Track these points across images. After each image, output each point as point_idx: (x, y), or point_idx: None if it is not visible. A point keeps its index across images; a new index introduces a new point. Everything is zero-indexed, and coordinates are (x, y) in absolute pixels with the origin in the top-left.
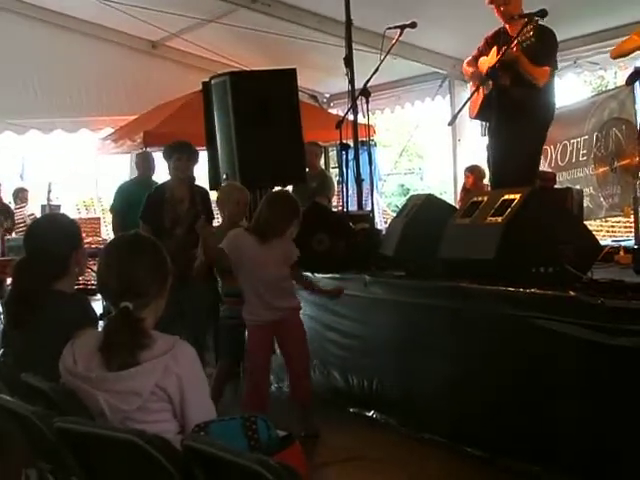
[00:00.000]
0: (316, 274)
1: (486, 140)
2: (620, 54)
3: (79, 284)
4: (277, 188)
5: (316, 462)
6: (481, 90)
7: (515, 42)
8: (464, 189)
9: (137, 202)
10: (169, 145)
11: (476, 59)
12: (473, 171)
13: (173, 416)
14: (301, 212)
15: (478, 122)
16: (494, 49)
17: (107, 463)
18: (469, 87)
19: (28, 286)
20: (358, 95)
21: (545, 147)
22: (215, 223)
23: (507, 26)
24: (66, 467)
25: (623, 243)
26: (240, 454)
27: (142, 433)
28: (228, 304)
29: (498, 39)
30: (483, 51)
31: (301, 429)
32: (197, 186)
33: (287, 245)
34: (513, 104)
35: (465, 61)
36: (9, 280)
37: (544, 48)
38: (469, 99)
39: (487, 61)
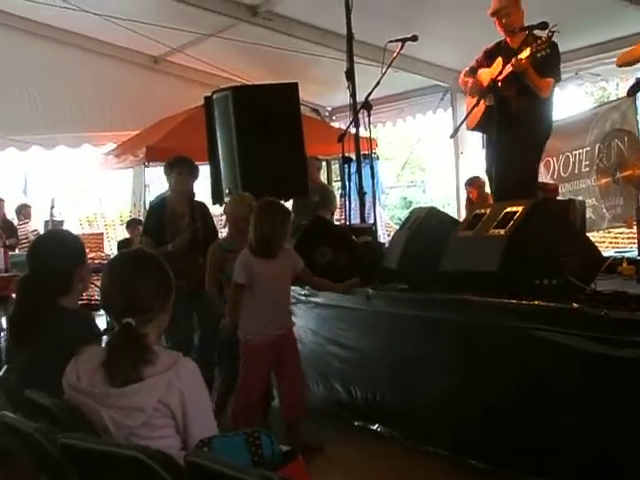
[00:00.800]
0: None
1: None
2: (626, 62)
3: (83, 300)
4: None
5: (318, 475)
6: (481, 102)
7: (528, 52)
8: (469, 202)
9: None
10: (170, 160)
11: (474, 70)
12: (473, 184)
13: (176, 432)
14: (290, 212)
15: (480, 135)
16: (499, 60)
17: (111, 479)
18: (467, 98)
19: (32, 302)
20: (360, 108)
21: (547, 158)
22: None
23: (508, 39)
24: None
25: (626, 254)
26: (244, 470)
27: (145, 449)
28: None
29: (499, 51)
30: (482, 63)
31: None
32: (197, 201)
33: (291, 254)
34: (515, 115)
35: (462, 72)
36: (13, 296)
37: (551, 60)
38: (470, 112)
39: (490, 72)
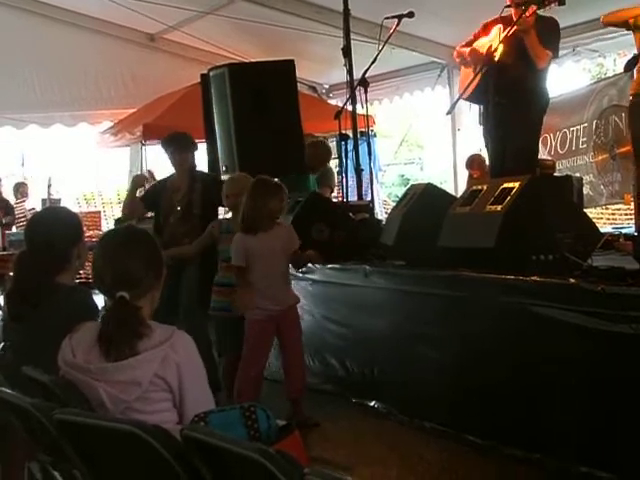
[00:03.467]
0: (316, 264)
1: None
2: (611, 22)
3: (81, 277)
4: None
5: (315, 450)
6: (478, 73)
7: (535, 8)
8: (471, 179)
9: None
10: (164, 138)
11: (470, 44)
12: (473, 164)
13: (173, 406)
14: (283, 187)
15: (477, 111)
16: (498, 27)
17: (107, 454)
18: (462, 69)
19: (29, 279)
20: (356, 85)
21: (545, 135)
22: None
23: (513, 11)
24: (67, 459)
25: (623, 230)
26: (240, 443)
27: (141, 424)
28: (217, 294)
29: (498, 24)
30: (479, 37)
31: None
32: (202, 174)
33: (288, 232)
34: (511, 84)
35: (458, 45)
36: (11, 274)
37: (550, 33)
38: (468, 82)
39: (488, 41)
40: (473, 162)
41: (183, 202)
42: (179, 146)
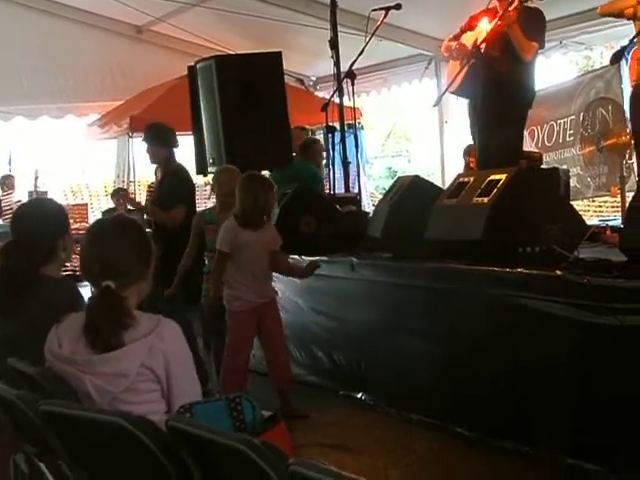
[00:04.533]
0: (303, 257)
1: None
2: (607, 12)
3: (67, 270)
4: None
5: (303, 443)
6: (465, 65)
7: (517, 2)
8: (468, 168)
9: None
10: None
11: (457, 38)
12: (471, 152)
13: (161, 396)
14: (273, 184)
15: (465, 104)
16: (484, 21)
17: (93, 445)
18: (449, 63)
19: (14, 270)
20: (343, 77)
21: (532, 127)
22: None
23: (497, 4)
24: (52, 450)
25: (610, 223)
26: (225, 434)
27: (127, 415)
28: (207, 282)
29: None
30: (466, 30)
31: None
32: (173, 167)
33: (274, 230)
34: (498, 77)
35: (446, 39)
36: None
37: (535, 25)
38: (454, 76)
39: (474, 34)
40: (471, 151)
41: (151, 198)
42: (148, 140)
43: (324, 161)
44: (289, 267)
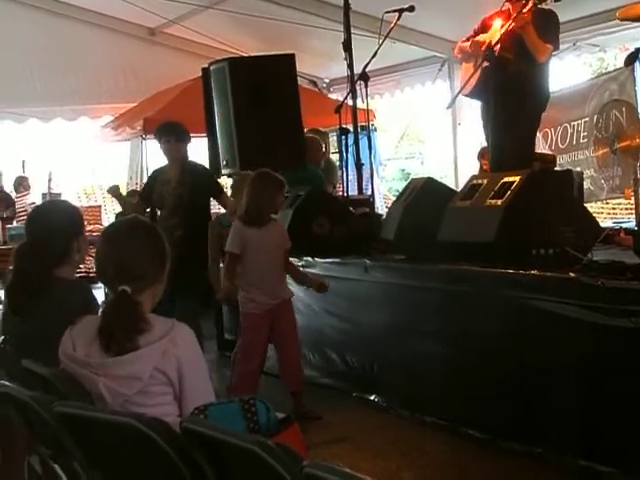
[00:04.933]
0: (316, 258)
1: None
2: (628, 17)
3: (81, 272)
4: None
5: (316, 444)
6: (478, 68)
7: (531, 4)
8: (482, 170)
9: None
10: (157, 128)
11: (470, 40)
12: (485, 155)
13: (174, 399)
14: (283, 182)
15: (478, 106)
16: (497, 23)
17: (107, 447)
18: (462, 65)
19: (29, 272)
20: (357, 79)
21: (546, 129)
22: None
23: (510, 6)
24: (66, 452)
25: (624, 225)
26: (239, 436)
27: (141, 416)
28: None
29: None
30: (479, 33)
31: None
32: (193, 165)
33: (283, 228)
34: (512, 79)
35: (460, 41)
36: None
37: (549, 26)
38: (467, 78)
39: (488, 36)
40: (485, 153)
41: (174, 195)
42: (174, 135)
43: (337, 162)
44: (299, 271)
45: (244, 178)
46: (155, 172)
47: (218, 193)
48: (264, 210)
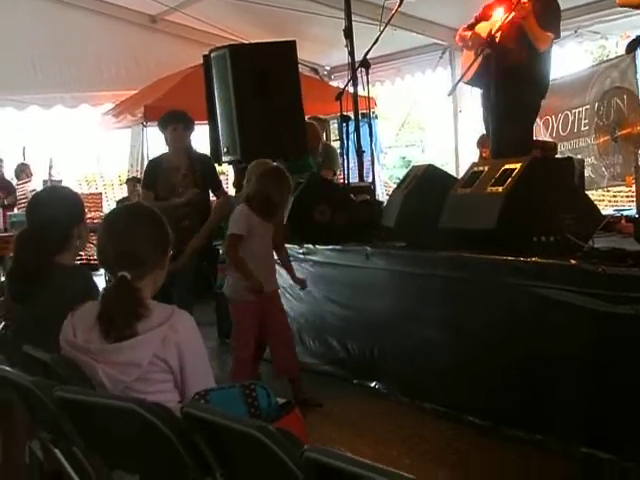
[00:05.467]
0: (317, 245)
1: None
2: (627, 3)
3: (82, 259)
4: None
5: (317, 430)
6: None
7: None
8: (481, 158)
9: None
10: (163, 116)
11: (472, 27)
12: (484, 142)
13: (175, 386)
14: (291, 185)
15: (479, 93)
16: (499, 8)
17: (107, 432)
18: (464, 52)
19: (29, 258)
20: (358, 67)
21: (547, 117)
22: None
23: None
24: (67, 436)
25: (625, 212)
26: (240, 421)
27: (142, 401)
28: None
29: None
30: (480, 20)
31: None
32: (198, 154)
33: (281, 220)
34: (513, 67)
35: (461, 28)
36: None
37: (550, 14)
38: (468, 65)
39: (489, 24)
40: (484, 141)
41: (184, 183)
42: (182, 123)
43: (338, 150)
44: (288, 262)
45: (261, 165)
46: (156, 159)
47: (218, 184)
48: (280, 206)
